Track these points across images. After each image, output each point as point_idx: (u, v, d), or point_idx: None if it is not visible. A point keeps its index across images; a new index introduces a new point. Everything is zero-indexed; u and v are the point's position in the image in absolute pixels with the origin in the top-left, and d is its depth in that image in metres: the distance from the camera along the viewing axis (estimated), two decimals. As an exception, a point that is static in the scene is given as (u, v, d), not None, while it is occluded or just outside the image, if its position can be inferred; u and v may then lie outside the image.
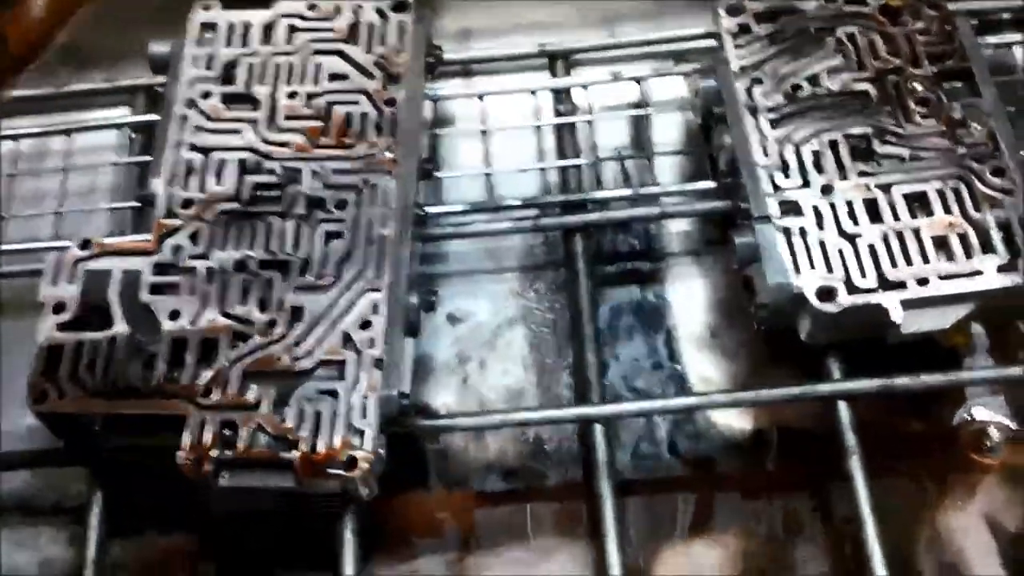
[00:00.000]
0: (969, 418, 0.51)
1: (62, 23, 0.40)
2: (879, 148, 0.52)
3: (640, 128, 0.63)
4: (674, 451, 0.54)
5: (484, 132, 0.61)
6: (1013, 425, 0.51)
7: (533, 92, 0.62)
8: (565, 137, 0.62)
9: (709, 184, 0.57)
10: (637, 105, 0.63)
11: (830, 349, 0.51)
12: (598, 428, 0.51)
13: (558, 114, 0.63)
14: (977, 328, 0.50)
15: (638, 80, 0.62)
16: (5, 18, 0.38)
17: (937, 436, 0.52)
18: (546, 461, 0.54)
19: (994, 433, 0.51)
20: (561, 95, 0.63)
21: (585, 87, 0.63)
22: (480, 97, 0.62)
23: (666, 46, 0.64)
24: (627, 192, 0.59)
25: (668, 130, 0.63)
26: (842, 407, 0.49)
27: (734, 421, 0.55)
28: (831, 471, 0.50)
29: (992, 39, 0.59)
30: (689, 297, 0.59)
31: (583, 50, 0.65)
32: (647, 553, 0.52)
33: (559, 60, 0.64)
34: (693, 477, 0.54)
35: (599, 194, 0.59)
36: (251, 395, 0.46)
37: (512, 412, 0.53)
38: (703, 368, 0.57)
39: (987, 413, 0.50)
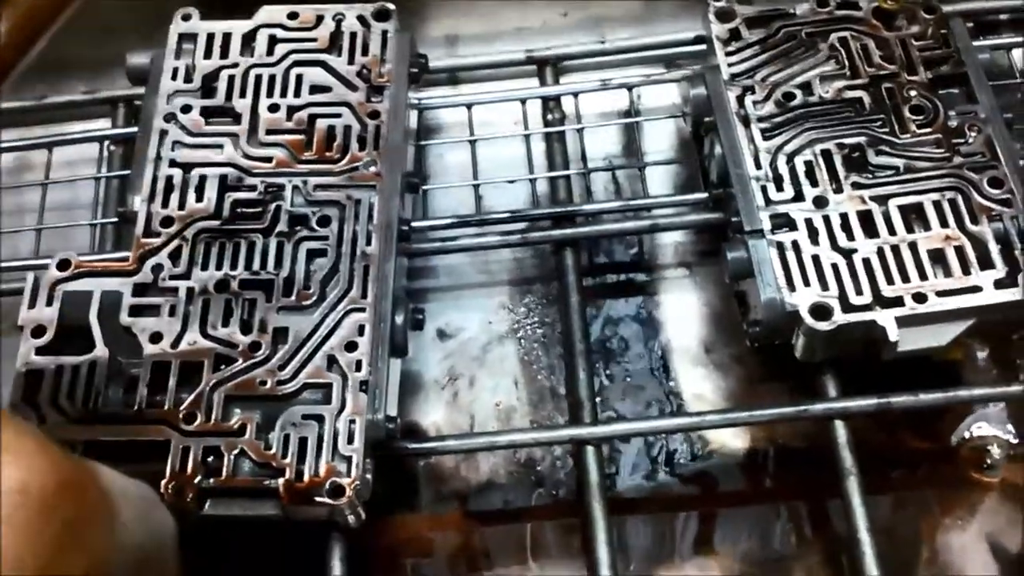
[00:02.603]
0: (969, 435, 0.50)
1: (26, 50, 0.38)
2: (873, 158, 0.51)
3: (631, 136, 0.62)
4: (670, 469, 0.53)
5: (472, 142, 0.60)
6: (1015, 441, 0.50)
7: (523, 101, 0.61)
8: (554, 146, 0.61)
9: (701, 195, 0.56)
10: (627, 113, 0.62)
11: (825, 364, 0.50)
12: (590, 449, 0.50)
13: (547, 123, 0.61)
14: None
15: (629, 87, 0.61)
16: None
17: (936, 453, 0.51)
18: (539, 480, 0.53)
19: (995, 451, 0.50)
20: (550, 103, 0.62)
21: (575, 95, 0.61)
22: (468, 106, 0.61)
23: (656, 51, 0.63)
24: (618, 204, 0.58)
25: (659, 137, 0.62)
26: (838, 426, 0.48)
27: (729, 439, 0.54)
28: (828, 488, 0.49)
29: (988, 41, 0.58)
30: (682, 311, 0.58)
31: (572, 56, 0.64)
32: (644, 571, 0.51)
33: (548, 66, 0.63)
34: (689, 495, 0.53)
35: (589, 207, 0.58)
36: (235, 420, 0.45)
37: (502, 434, 0.52)
38: (697, 384, 0.56)
39: (988, 429, 0.49)
